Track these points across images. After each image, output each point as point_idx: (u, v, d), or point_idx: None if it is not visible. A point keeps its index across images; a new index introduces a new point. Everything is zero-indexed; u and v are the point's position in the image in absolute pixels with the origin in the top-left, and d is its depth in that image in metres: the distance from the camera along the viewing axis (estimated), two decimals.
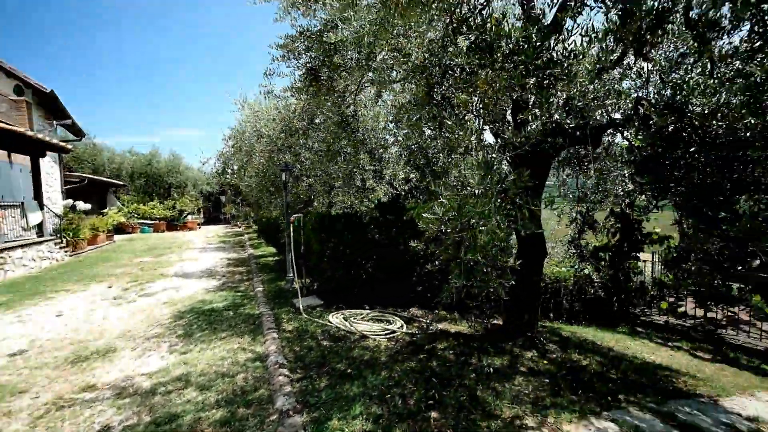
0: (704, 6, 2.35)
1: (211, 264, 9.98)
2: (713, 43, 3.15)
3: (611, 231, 8.36)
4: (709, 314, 7.15)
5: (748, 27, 2.90)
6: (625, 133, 4.22)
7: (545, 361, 4.03)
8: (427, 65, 3.17)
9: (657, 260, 8.31)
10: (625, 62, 4.29)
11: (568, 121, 3.72)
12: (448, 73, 3.15)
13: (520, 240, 4.46)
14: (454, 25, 2.96)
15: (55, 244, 11.65)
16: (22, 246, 10.03)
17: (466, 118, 3.57)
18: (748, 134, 3.02)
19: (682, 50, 3.69)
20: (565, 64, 3.36)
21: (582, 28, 2.62)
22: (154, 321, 5.18)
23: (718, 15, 2.72)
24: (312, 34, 3.87)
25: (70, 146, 12.62)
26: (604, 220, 7.94)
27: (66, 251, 11.98)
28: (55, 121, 14.62)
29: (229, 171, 8.70)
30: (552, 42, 2.95)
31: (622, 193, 5.01)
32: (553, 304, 7.72)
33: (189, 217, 22.79)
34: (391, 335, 4.46)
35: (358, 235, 5.34)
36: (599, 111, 4.16)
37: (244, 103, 7.52)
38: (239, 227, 22.45)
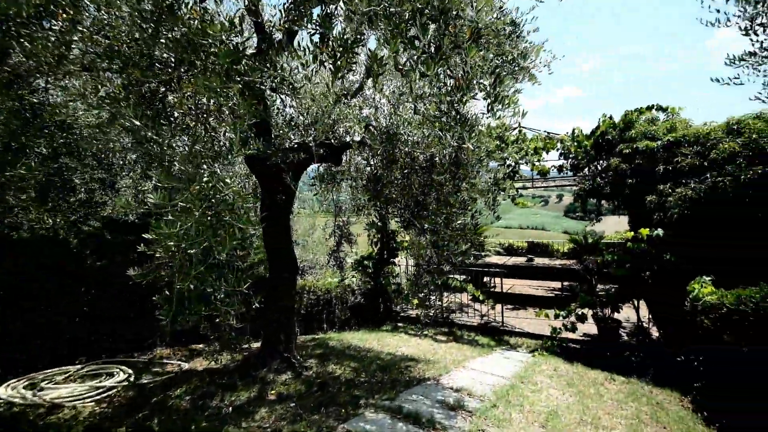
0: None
1: None
2: (414, 84, 3.86)
3: (373, 241, 9.48)
4: (441, 302, 9.05)
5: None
6: (363, 154, 4.72)
7: (299, 381, 3.92)
8: (130, 53, 2.53)
9: (411, 263, 9.93)
10: (365, 93, 4.83)
11: (311, 139, 3.82)
12: (155, 66, 2.61)
13: (270, 258, 4.27)
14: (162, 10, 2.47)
15: None
16: None
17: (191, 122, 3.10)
18: (439, 161, 3.80)
19: (401, 90, 4.41)
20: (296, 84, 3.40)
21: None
22: None
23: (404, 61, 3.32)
24: None
25: None
26: (369, 230, 8.87)
27: None
28: None
29: None
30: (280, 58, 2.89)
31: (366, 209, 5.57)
32: (326, 314, 8.02)
33: None
34: (104, 395, 3.41)
35: (55, 270, 3.96)
36: (341, 131, 4.49)
37: None
38: None
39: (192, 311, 2.42)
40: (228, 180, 2.54)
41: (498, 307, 8.13)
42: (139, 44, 2.59)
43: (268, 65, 2.77)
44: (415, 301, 9.15)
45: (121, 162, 5.52)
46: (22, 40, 3.01)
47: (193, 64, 2.39)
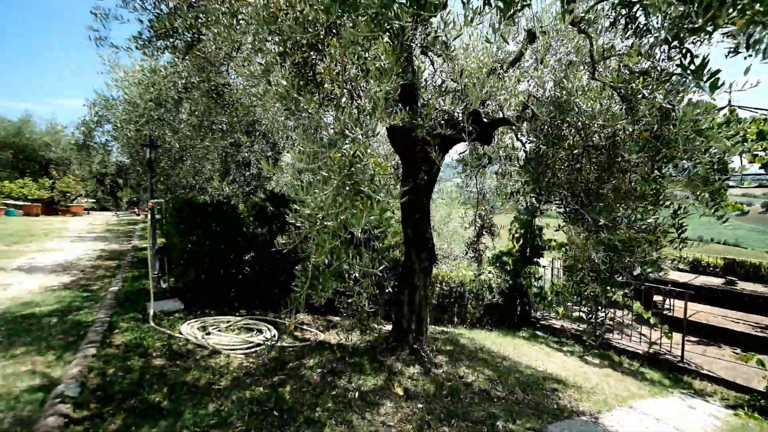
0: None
1: (76, 256, 8.29)
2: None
3: (515, 236, 8.49)
4: (600, 319, 7.54)
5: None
6: (518, 134, 3.99)
7: (427, 380, 3.60)
8: (280, 19, 2.50)
9: (558, 266, 8.59)
10: (524, 64, 4.08)
11: (460, 111, 3.35)
12: (306, 29, 2.51)
13: (407, 241, 4.00)
14: None
15: None
16: None
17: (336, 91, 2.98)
18: (625, 141, 2.84)
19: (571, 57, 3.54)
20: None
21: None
22: None
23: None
24: None
25: None
26: (510, 225, 7.97)
27: None
28: None
29: (94, 145, 7.19)
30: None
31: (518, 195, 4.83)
32: (458, 308, 7.56)
33: (77, 200, 19.55)
34: (252, 349, 3.71)
35: (230, 229, 4.50)
36: (493, 106, 3.87)
37: (116, 66, 6.21)
38: (137, 214, 19.76)
39: (324, 287, 2.30)
40: (367, 150, 2.28)
41: (676, 336, 6.30)
42: (293, 6, 2.54)
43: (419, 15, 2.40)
44: (560, 310, 7.89)
45: (282, 141, 6.07)
46: (209, 27, 3.32)
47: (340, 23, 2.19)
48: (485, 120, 4.00)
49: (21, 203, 17.13)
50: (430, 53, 3.86)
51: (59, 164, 19.93)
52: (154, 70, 4.70)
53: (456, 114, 3.86)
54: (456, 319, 7.41)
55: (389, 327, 4.98)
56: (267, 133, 5.86)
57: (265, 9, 2.60)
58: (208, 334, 3.95)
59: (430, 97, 3.57)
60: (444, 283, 7.18)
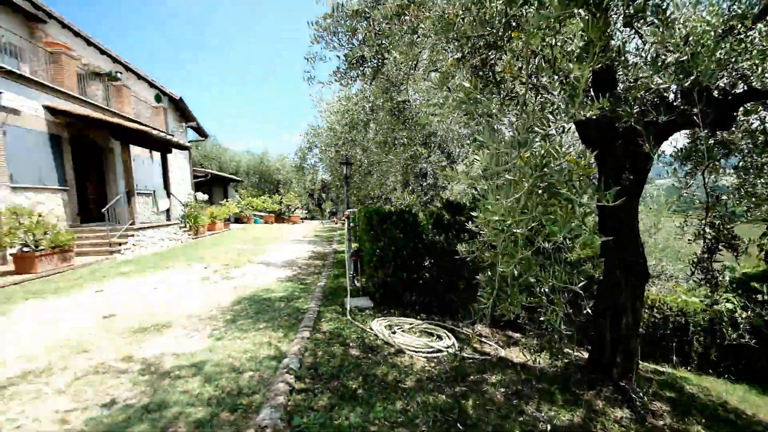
0: None
1: (295, 256, 10.43)
2: None
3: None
4: None
5: None
6: None
7: (643, 430, 2.88)
8: (457, 24, 2.46)
9: None
10: None
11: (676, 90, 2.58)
12: (484, 28, 2.39)
13: (607, 254, 3.33)
14: None
15: (180, 227, 13.61)
16: (153, 227, 11.89)
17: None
18: None
19: None
20: None
21: None
22: (216, 304, 5.41)
23: None
24: (352, 11, 3.47)
25: (189, 144, 14.71)
26: (761, 238, 5.78)
27: (189, 234, 13.91)
28: (184, 123, 17.27)
29: (306, 166, 8.95)
30: None
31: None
32: (677, 344, 5.92)
33: (296, 211, 24.87)
34: (433, 354, 3.78)
35: (411, 236, 4.76)
36: (726, 80, 2.85)
37: (320, 100, 7.61)
38: (335, 222, 23.56)
39: (512, 301, 2.11)
40: (561, 147, 1.99)
41: None
42: (470, 9, 2.48)
43: None
44: None
45: (457, 150, 6.11)
46: (391, 49, 3.61)
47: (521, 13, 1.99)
48: (719, 97, 3.02)
49: (262, 214, 22.88)
50: (636, 24, 3.18)
51: (285, 183, 25.88)
52: (348, 98, 5.50)
53: (672, 94, 3.07)
54: (674, 358, 5.83)
55: (583, 354, 4.29)
56: (442, 144, 5.99)
57: (441, 20, 2.64)
58: (394, 333, 4.25)
59: (639, 76, 2.92)
60: (655, 309, 5.78)
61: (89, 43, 14.77)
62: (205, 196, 16.23)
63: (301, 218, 25.33)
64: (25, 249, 7.65)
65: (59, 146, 10.71)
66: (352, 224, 5.96)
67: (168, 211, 13.32)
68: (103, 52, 15.21)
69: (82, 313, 5.08)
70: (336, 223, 23.10)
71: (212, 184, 22.14)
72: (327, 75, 4.10)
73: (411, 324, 4.58)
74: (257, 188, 25.96)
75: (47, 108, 10.39)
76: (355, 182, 7.06)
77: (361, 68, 4.04)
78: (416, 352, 3.79)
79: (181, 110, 17.58)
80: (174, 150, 14.61)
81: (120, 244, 10.17)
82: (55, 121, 10.57)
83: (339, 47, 3.89)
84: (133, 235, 10.76)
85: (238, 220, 22.28)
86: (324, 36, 3.60)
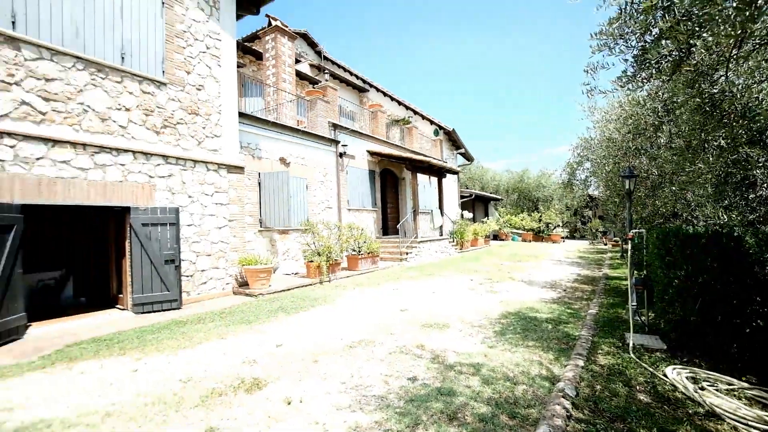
0: None
1: (557, 277, 9.85)
2: None
3: None
4: None
5: None
6: None
7: None
8: None
9: None
10: None
11: None
12: None
13: None
14: None
15: (449, 242, 15.49)
16: (430, 241, 14.10)
17: None
18: None
19: None
20: None
21: None
22: (484, 314, 5.89)
23: None
24: (645, 7, 3.10)
25: (458, 169, 16.50)
26: None
27: (455, 248, 15.64)
28: (455, 151, 19.52)
29: (576, 182, 8.16)
30: None
31: None
32: None
33: (556, 230, 23.33)
34: None
35: (730, 266, 3.60)
36: None
37: (594, 109, 6.89)
38: (604, 244, 20.40)
39: None
40: None
41: None
42: None
43: None
44: None
45: None
46: (703, 32, 2.99)
47: None
48: None
49: (520, 232, 22.78)
50: None
51: (545, 201, 24.81)
52: (637, 102, 4.79)
53: None
54: None
55: None
56: None
57: None
58: (702, 389, 3.34)
59: None
60: None
61: (392, 99, 19.32)
62: (470, 214, 17.80)
63: (562, 237, 23.46)
64: (353, 252, 10.81)
65: (373, 178, 14.46)
66: (640, 244, 5.10)
67: (441, 227, 15.47)
68: (400, 103, 19.50)
69: (386, 303, 6.69)
70: (606, 245, 19.99)
71: (475, 203, 24.02)
72: (607, 82, 3.77)
73: (730, 384, 3.44)
74: (516, 206, 26.12)
75: (368, 151, 14.26)
76: (639, 198, 5.99)
77: (657, 65, 3.52)
78: (744, 424, 2.83)
79: (452, 140, 20.26)
80: (447, 174, 16.90)
81: (407, 253, 12.62)
82: (371, 160, 14.38)
83: (626, 50, 3.56)
84: (416, 246, 13.11)
85: (496, 236, 23.11)
86: (608, 42, 3.38)
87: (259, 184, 9.89)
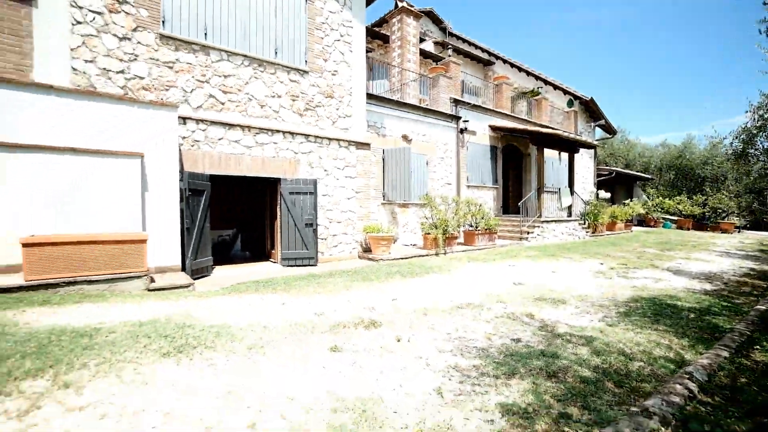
0: None
1: (719, 269, 8.17)
2: None
3: None
4: None
5: None
6: None
7: None
8: None
9: None
10: None
11: None
12: None
13: None
14: None
15: (579, 224, 14.09)
16: (555, 221, 13.12)
17: None
18: None
19: None
20: None
21: None
22: (610, 295, 5.42)
23: None
24: None
25: (595, 143, 14.58)
26: None
27: (587, 231, 14.16)
28: (592, 123, 17.26)
29: (754, 152, 6.32)
30: None
31: None
32: None
33: (728, 217, 18.78)
34: None
35: None
36: None
37: None
38: None
39: None
40: None
41: None
42: None
43: None
44: None
45: None
46: None
47: None
48: None
49: (675, 218, 19.10)
50: None
51: (713, 181, 20.07)
52: None
53: None
54: None
55: None
56: None
57: None
58: None
59: None
60: None
61: (520, 69, 18.12)
62: (607, 195, 15.77)
63: (736, 226, 18.76)
64: (470, 228, 10.84)
65: (495, 154, 14.01)
66: None
67: (570, 207, 14.15)
68: (529, 74, 18.15)
69: (500, 277, 6.67)
70: None
71: (616, 183, 20.95)
72: None
73: None
74: (672, 187, 21.73)
75: (490, 126, 13.83)
76: None
77: None
78: None
79: (590, 111, 17.99)
80: (581, 150, 15.22)
81: (528, 233, 12.03)
82: (493, 135, 13.92)
83: None
84: (538, 226, 12.38)
85: (641, 222, 19.87)
86: None
87: (383, 159, 10.65)
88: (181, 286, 5.42)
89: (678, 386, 2.59)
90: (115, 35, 6.08)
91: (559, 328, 3.96)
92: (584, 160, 17.99)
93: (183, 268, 6.22)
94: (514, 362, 2.99)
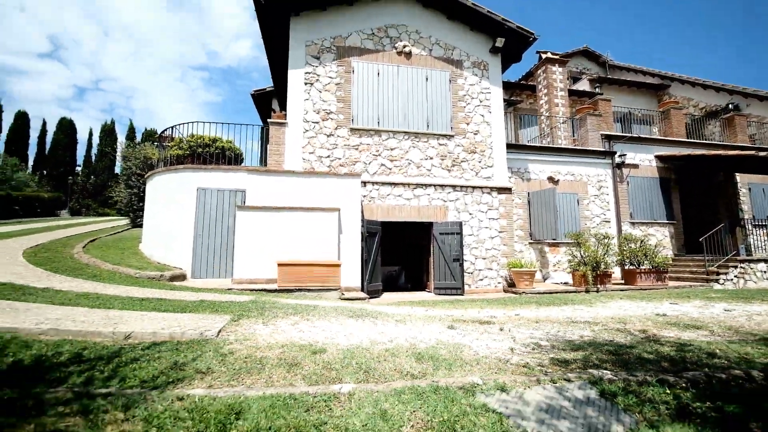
0: None
1: None
2: None
3: None
4: None
5: None
6: None
7: None
8: None
9: None
10: None
11: None
12: None
13: None
14: None
15: None
16: (765, 260, 10.69)
17: None
18: None
19: None
20: None
21: None
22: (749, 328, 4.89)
23: None
24: None
25: None
26: None
27: None
28: None
29: None
30: None
31: None
32: None
33: None
34: None
35: None
36: None
37: None
38: None
39: None
40: None
41: None
42: None
43: None
44: None
45: None
46: None
47: None
48: None
49: None
50: None
51: None
52: None
53: None
54: None
55: None
56: None
57: None
58: None
59: None
60: None
61: (705, 86, 16.05)
62: None
63: None
64: (631, 266, 10.15)
65: (667, 187, 12.69)
66: None
67: None
68: (719, 90, 15.84)
69: (644, 309, 6.53)
70: None
71: None
72: None
73: None
74: None
75: (658, 157, 12.77)
76: None
77: None
78: None
79: None
80: None
81: (718, 273, 10.27)
82: (661, 166, 12.73)
83: None
84: (736, 266, 10.42)
85: None
86: None
87: (529, 202, 11.41)
88: (360, 299, 7.70)
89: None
90: (324, 134, 9.49)
91: (663, 336, 4.21)
92: None
93: (362, 289, 8.60)
94: (586, 346, 3.72)
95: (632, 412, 2.23)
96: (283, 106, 13.61)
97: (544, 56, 14.69)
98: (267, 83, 12.92)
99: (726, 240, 11.03)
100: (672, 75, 17.29)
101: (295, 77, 9.55)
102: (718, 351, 3.59)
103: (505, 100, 14.95)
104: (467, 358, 3.28)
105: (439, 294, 9.48)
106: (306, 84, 9.58)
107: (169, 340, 3.27)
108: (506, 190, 10.50)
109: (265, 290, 7.45)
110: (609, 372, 2.83)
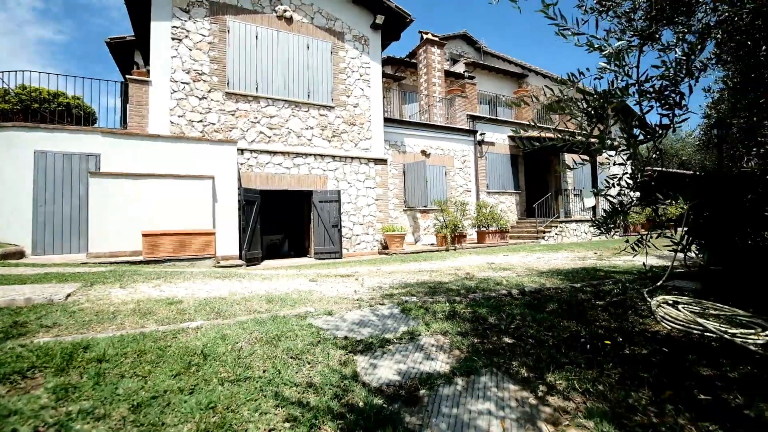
0: None
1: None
2: None
3: None
4: None
5: None
6: None
7: None
8: None
9: None
10: None
11: None
12: None
13: None
14: None
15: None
16: (575, 221, 13.76)
17: None
18: None
19: None
20: None
21: None
22: (558, 267, 6.63)
23: None
24: None
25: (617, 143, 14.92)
26: None
27: (615, 231, 14.43)
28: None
29: None
30: None
31: None
32: None
33: None
34: None
35: None
36: None
37: None
38: None
39: None
40: None
41: None
42: None
43: None
44: None
45: None
46: None
47: None
48: None
49: None
50: None
51: None
52: None
53: None
54: None
55: None
56: None
57: None
58: (673, 306, 3.75)
59: None
60: None
61: (553, 80, 19.01)
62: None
63: None
64: (482, 229, 12.16)
65: (516, 162, 15.12)
66: None
67: (593, 208, 14.62)
68: (564, 83, 19.04)
69: (481, 260, 8.08)
70: None
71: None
72: None
73: (733, 313, 3.63)
74: None
75: (509, 137, 15.05)
76: None
77: None
78: (672, 322, 3.33)
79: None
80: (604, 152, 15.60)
81: (544, 232, 12.92)
82: (513, 145, 15.09)
83: None
84: (556, 226, 13.19)
85: None
86: None
87: (404, 172, 12.55)
88: (236, 266, 7.80)
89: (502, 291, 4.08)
90: (196, 96, 8.95)
91: (477, 275, 5.45)
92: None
93: (240, 257, 8.66)
94: (416, 286, 4.66)
95: (418, 319, 3.08)
96: (147, 61, 12.17)
97: (425, 36, 15.76)
98: (129, 30, 11.44)
99: (553, 206, 13.88)
100: (530, 66, 20.22)
101: (159, 30, 8.68)
102: (504, 282, 4.86)
103: (390, 76, 15.74)
104: (314, 299, 3.88)
105: (319, 258, 10.06)
106: (173, 39, 8.79)
107: (6, 307, 3.11)
108: (382, 161, 11.40)
109: (129, 263, 7.01)
110: (416, 297, 3.71)
